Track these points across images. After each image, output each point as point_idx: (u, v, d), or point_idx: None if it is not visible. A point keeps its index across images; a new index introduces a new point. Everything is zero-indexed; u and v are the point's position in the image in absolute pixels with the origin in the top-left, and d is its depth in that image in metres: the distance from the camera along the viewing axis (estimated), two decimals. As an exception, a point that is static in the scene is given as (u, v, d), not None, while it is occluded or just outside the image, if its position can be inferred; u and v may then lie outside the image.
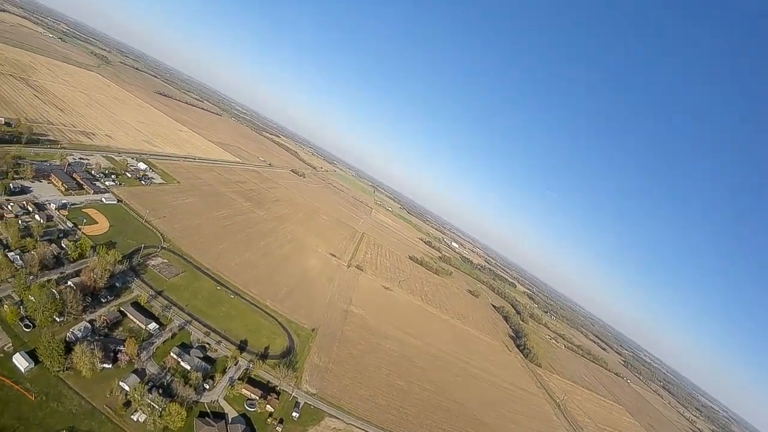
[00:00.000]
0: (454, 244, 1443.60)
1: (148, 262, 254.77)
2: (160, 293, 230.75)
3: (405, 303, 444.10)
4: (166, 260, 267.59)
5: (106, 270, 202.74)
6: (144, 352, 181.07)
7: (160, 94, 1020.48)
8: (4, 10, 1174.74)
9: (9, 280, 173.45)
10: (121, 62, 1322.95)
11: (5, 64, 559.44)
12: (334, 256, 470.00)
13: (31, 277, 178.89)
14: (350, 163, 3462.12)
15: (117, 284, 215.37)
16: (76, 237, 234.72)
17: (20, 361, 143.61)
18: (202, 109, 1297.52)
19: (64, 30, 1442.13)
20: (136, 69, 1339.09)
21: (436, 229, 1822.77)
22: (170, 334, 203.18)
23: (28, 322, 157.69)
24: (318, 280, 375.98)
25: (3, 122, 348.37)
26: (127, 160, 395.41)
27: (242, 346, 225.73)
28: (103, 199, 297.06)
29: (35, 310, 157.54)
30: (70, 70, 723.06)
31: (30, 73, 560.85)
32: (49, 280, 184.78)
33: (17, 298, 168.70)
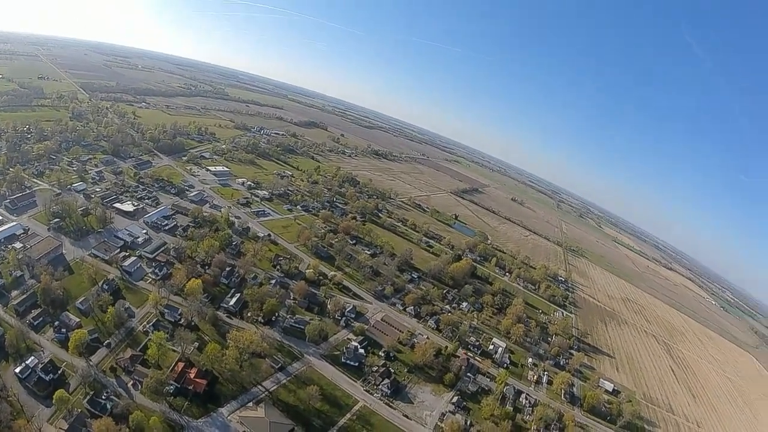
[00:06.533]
0: None
1: None
2: None
3: None
4: None
5: None
6: None
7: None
8: (671, 268, 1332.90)
9: None
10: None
11: (653, 322, 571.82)
12: None
13: None
14: None
15: None
16: None
17: None
18: None
19: (729, 299, 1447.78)
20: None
21: None
22: None
23: None
24: None
25: (610, 389, 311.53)
26: None
27: None
28: None
29: None
30: (722, 346, 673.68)
31: (676, 340, 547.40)
32: None
33: None
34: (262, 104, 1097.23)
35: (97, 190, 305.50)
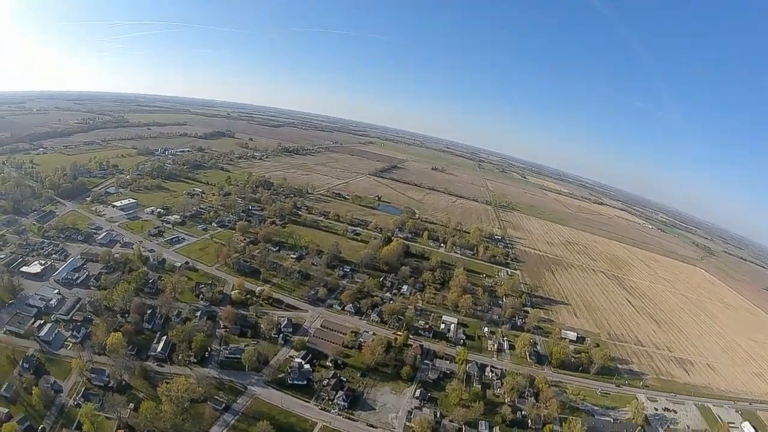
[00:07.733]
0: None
1: None
2: None
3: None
4: None
5: None
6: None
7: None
8: (601, 203, 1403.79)
9: None
10: (725, 251, 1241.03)
11: (599, 259, 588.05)
12: None
13: None
14: None
15: None
16: None
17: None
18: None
19: (663, 219, 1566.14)
20: (742, 259, 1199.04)
21: None
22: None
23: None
24: None
25: (574, 338, 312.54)
26: (723, 420, 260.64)
27: None
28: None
29: None
30: (670, 266, 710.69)
31: (625, 271, 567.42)
32: None
33: None
34: (164, 123, 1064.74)
35: (1, 256, 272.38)
